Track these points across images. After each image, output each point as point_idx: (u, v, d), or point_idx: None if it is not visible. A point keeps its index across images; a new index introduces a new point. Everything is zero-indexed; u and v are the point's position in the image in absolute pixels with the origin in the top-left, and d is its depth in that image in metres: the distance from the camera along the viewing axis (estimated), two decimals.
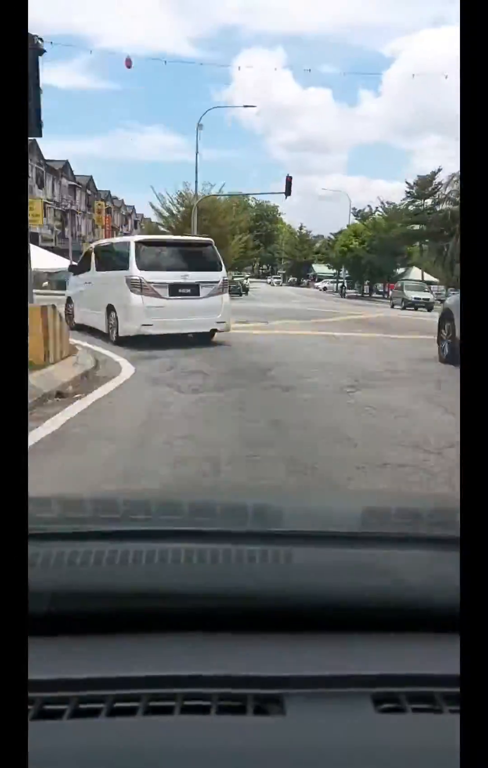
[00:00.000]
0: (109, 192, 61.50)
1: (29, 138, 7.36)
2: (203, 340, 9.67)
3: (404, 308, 30.57)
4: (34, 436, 4.32)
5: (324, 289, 58.99)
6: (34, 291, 10.25)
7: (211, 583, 0.70)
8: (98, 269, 10.40)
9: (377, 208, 46.12)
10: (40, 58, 7.23)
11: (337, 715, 0.55)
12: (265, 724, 0.54)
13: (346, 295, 50.57)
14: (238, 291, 29.44)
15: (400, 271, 47.42)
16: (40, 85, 7.33)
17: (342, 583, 0.71)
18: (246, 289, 36.09)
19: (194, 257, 9.62)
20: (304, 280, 77.58)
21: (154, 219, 34.19)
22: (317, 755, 0.50)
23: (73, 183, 53.60)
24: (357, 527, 1.01)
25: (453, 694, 0.56)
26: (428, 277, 41.08)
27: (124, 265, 9.11)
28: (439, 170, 39.38)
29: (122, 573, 0.71)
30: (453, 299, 9.27)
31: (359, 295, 51.88)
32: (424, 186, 40.13)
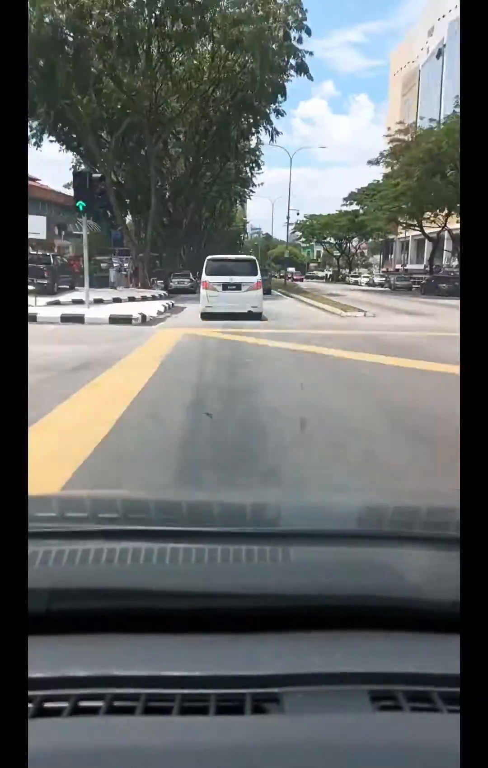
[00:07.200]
0: None
1: None
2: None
3: None
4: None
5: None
6: None
7: (210, 582, 0.70)
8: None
9: None
10: None
11: (335, 713, 0.55)
12: (264, 723, 0.54)
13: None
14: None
15: None
16: None
17: (341, 582, 0.71)
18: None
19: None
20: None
21: None
22: (315, 754, 0.50)
23: None
24: (356, 526, 1.01)
25: (450, 694, 0.56)
26: None
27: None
28: None
29: (121, 572, 0.72)
30: None
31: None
32: None
